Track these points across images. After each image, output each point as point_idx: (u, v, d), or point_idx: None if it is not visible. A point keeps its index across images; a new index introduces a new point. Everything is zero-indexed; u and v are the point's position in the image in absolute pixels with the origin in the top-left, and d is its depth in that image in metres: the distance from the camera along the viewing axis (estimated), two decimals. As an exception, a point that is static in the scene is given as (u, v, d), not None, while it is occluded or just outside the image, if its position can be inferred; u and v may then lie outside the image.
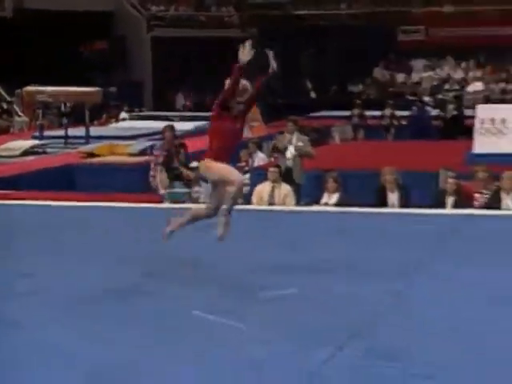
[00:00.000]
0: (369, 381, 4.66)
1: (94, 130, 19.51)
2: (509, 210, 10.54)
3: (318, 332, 5.43)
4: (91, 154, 16.00)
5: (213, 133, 6.95)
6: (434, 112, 23.33)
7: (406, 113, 23.29)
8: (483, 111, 15.19)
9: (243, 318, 5.74)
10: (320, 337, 5.32)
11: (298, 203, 11.99)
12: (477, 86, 25.61)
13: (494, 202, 10.75)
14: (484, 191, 11.19)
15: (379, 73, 28.86)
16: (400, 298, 6.38)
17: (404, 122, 22.87)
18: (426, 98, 26.10)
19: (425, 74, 28.35)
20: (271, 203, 11.74)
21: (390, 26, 29.35)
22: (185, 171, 12.36)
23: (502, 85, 25.82)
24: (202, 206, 7.09)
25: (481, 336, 5.37)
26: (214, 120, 6.99)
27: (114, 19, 28.94)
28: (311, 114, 24.42)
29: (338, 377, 4.72)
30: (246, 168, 14.99)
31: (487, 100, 24.17)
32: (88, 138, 18.18)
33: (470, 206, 11.04)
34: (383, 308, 6.06)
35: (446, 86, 27.24)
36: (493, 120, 14.54)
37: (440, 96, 25.89)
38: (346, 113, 24.07)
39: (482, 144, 14.36)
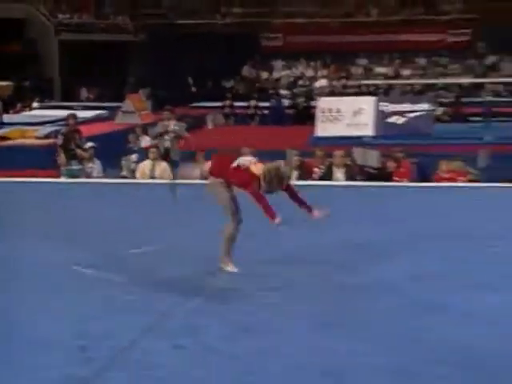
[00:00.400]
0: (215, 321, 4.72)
1: (9, 118, 18.93)
2: (338, 181, 10.76)
3: (169, 281, 5.46)
4: (3, 137, 15.51)
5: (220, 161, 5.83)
6: (289, 103, 23.57)
7: (267, 104, 23.55)
8: (323, 103, 15.45)
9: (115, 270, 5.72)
10: (169, 285, 5.34)
11: (174, 177, 11.93)
12: (323, 83, 25.90)
13: (328, 175, 10.96)
14: (321, 166, 11.37)
15: (247, 71, 28.85)
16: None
17: (265, 111, 23.07)
18: (284, 92, 26.26)
19: (283, 73, 28.50)
20: (152, 177, 11.65)
21: (255, 34, 29.39)
22: (79, 152, 12.14)
23: (343, 81, 26.17)
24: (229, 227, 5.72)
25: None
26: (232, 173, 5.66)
27: (27, 25, 28.03)
28: (192, 105, 24.33)
29: (186, 317, 4.76)
30: (135, 148, 14.82)
31: (331, 93, 24.49)
32: (2, 124, 17.59)
33: (310, 178, 11.22)
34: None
35: (300, 82, 27.44)
36: (330, 110, 14.81)
37: (294, 90, 26.11)
38: (220, 104, 24.13)
39: (322, 129, 14.62)
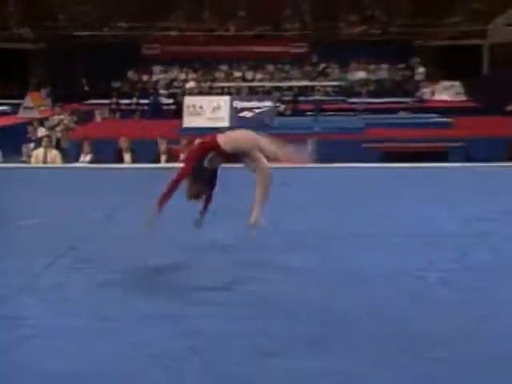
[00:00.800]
0: (79, 279, 4.63)
1: None
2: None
3: (45, 245, 5.29)
4: None
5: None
6: (173, 101, 23.31)
7: (146, 101, 23.24)
8: (189, 100, 15.38)
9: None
10: (45, 248, 5.18)
11: (65, 162, 11.56)
12: (192, 84, 25.79)
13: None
14: (185, 152, 11.32)
15: (131, 74, 28.16)
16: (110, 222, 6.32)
17: (145, 107, 22.74)
18: (162, 91, 25.95)
19: (161, 76, 28.03)
20: (44, 162, 11.23)
21: (138, 44, 28.84)
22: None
23: (209, 83, 26.18)
24: None
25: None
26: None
27: None
28: (85, 102, 23.64)
29: (54, 276, 4.64)
30: (33, 138, 14.25)
31: (200, 93, 24.41)
32: None
33: (177, 161, 11.14)
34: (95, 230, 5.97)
35: (174, 84, 27.13)
36: (194, 106, 14.76)
37: (171, 90, 25.86)
38: (108, 101, 23.58)
39: (188, 121, 14.56)
